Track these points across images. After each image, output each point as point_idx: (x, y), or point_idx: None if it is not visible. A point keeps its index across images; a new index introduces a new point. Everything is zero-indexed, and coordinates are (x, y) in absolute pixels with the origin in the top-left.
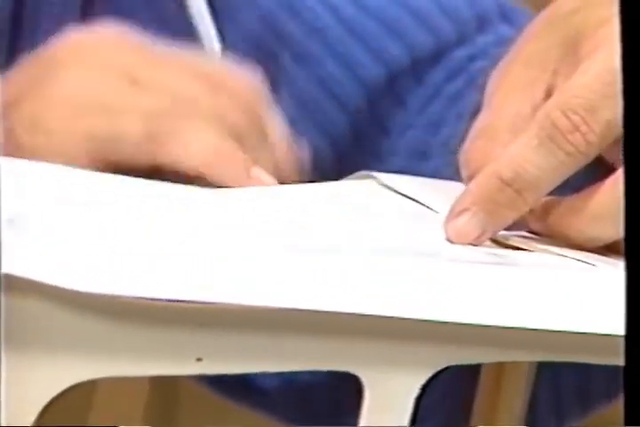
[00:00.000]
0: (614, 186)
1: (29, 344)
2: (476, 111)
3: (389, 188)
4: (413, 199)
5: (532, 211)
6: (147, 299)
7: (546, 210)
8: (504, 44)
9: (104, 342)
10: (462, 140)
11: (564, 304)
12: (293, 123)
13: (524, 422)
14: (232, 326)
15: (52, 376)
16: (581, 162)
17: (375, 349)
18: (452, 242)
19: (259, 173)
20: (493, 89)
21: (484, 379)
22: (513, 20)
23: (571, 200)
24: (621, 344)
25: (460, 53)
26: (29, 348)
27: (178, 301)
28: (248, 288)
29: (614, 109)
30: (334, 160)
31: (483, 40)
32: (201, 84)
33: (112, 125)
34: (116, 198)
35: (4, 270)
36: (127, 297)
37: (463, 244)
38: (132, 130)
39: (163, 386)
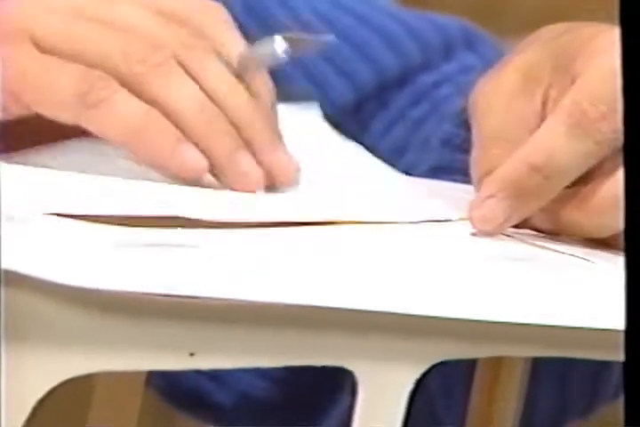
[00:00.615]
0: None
1: (25, 338)
2: (445, 139)
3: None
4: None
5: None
6: (141, 294)
7: (554, 200)
8: (468, 72)
9: (98, 337)
10: (428, 165)
11: (559, 300)
12: None
13: (519, 420)
14: (225, 320)
15: (48, 370)
16: (606, 151)
17: (369, 343)
18: (476, 228)
19: (185, 149)
20: (486, 98)
21: (480, 375)
22: (477, 49)
23: (580, 189)
24: (621, 339)
25: (426, 79)
26: (26, 342)
27: (172, 296)
28: (242, 283)
29: None
30: None
31: (447, 68)
32: (156, 17)
33: (45, 74)
34: (110, 197)
35: (4, 266)
36: (122, 292)
37: (486, 231)
38: (62, 84)
39: None
